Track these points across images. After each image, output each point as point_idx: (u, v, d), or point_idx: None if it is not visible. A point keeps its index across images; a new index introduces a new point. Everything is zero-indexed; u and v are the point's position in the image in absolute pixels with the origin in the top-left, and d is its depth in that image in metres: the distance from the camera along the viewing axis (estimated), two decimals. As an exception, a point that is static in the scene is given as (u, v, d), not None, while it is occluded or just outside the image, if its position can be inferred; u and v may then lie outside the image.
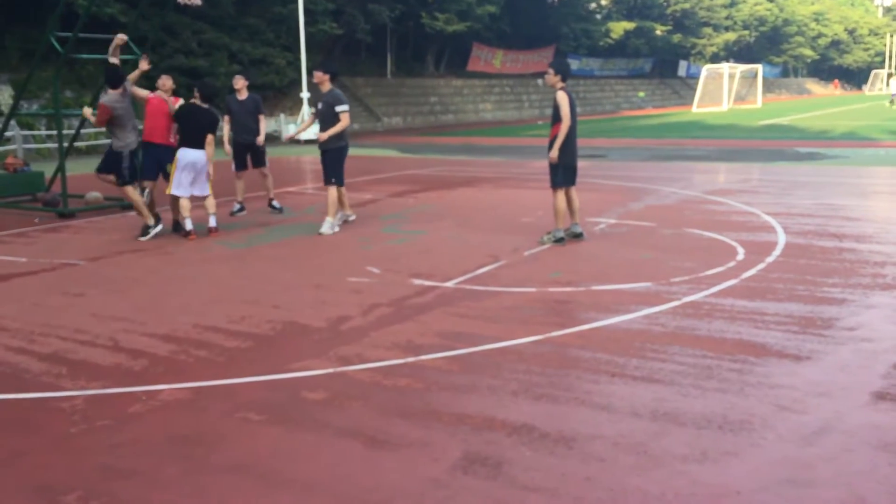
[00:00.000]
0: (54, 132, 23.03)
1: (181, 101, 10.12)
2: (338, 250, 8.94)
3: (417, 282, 7.33)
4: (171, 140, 9.98)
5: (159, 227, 9.82)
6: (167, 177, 10.00)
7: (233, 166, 11.60)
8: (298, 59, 28.58)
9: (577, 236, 9.12)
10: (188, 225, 9.69)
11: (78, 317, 6.38)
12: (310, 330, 5.97)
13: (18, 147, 21.26)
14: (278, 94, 32.32)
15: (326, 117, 9.61)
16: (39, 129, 23.36)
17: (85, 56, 13.68)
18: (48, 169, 14.33)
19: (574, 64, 53.71)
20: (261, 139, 11.45)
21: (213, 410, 4.46)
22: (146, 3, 12.45)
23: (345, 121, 9.57)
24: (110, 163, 9.91)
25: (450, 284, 7.22)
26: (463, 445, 3.95)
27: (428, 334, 5.77)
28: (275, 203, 11.82)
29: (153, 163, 10.02)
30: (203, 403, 4.58)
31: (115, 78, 9.82)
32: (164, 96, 10.11)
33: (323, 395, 4.65)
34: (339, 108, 9.58)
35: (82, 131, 16.89)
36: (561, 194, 8.98)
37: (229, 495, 3.51)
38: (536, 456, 3.83)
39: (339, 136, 9.70)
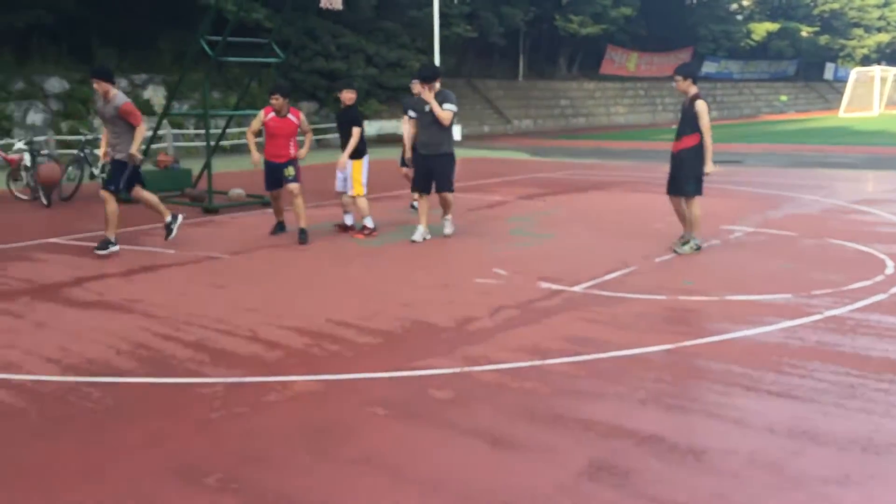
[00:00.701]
0: (202, 131, 24.32)
1: (302, 114, 9.95)
2: (466, 251, 9.01)
3: (545, 285, 7.29)
4: (293, 153, 9.82)
5: (282, 230, 10.19)
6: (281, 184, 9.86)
7: (403, 162, 11.47)
8: (432, 62, 28.98)
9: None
10: (370, 223, 10.04)
11: (220, 307, 6.70)
12: (437, 329, 6.04)
13: (169, 145, 22.53)
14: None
15: (434, 119, 9.25)
16: (188, 129, 24.68)
17: (232, 59, 14.36)
18: (195, 166, 15.12)
19: (712, 66, 52.16)
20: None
21: (343, 403, 4.59)
22: (290, 7, 12.93)
23: (447, 118, 9.26)
24: (132, 176, 9.12)
25: (577, 289, 7.15)
26: (589, 452, 3.90)
27: (554, 338, 5.74)
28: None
29: (274, 175, 9.85)
30: (333, 396, 4.72)
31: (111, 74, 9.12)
32: (279, 114, 9.71)
33: (449, 394, 4.70)
34: (448, 106, 9.25)
35: (228, 131, 17.69)
36: (697, 202, 8.71)
37: (359, 486, 3.60)
38: (665, 467, 3.74)
39: (451, 139, 9.60)
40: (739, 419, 4.29)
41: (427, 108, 9.31)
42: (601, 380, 4.91)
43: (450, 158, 9.61)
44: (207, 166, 12.67)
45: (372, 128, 30.56)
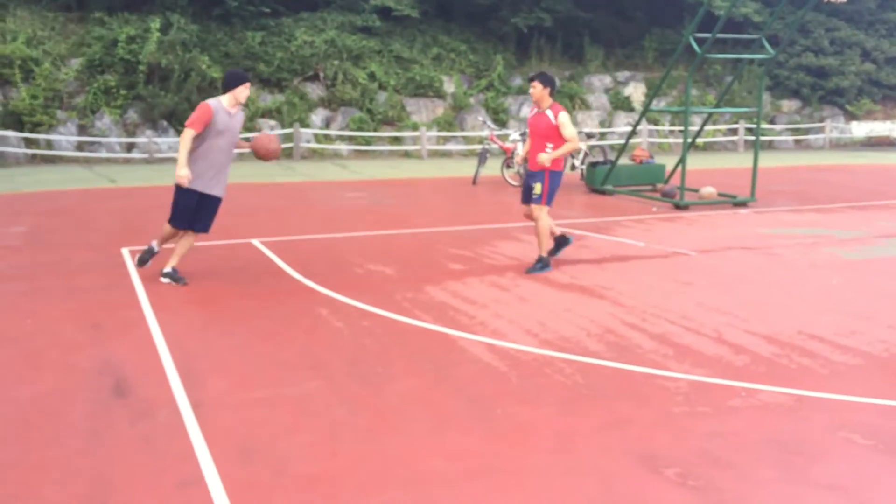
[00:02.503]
0: (677, 128, 24.50)
1: (564, 114, 7.65)
2: (974, 275, 7.78)
3: None
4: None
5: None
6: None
7: None
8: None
9: None
10: None
11: (685, 304, 6.71)
12: (932, 359, 5.34)
13: (644, 140, 23.11)
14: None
15: None
16: (663, 125, 25.00)
17: (719, 56, 14.19)
18: (669, 162, 15.28)
19: None
20: None
21: (815, 423, 4.30)
22: (785, 1, 12.31)
23: None
24: None
25: None
26: None
27: None
28: None
29: (526, 186, 8.05)
30: (804, 413, 4.44)
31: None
32: (538, 108, 7.83)
33: (944, 435, 4.12)
34: None
35: (704, 128, 17.53)
36: None
37: (826, 514, 3.36)
38: None
39: None
40: None
41: None
42: None
43: None
44: (682, 163, 12.71)
45: (861, 129, 27.89)
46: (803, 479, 3.66)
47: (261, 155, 7.26)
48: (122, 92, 19.95)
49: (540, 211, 7.85)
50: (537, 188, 7.81)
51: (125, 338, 5.75)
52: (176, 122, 20.16)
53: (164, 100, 19.75)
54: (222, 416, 4.35)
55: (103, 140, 19.43)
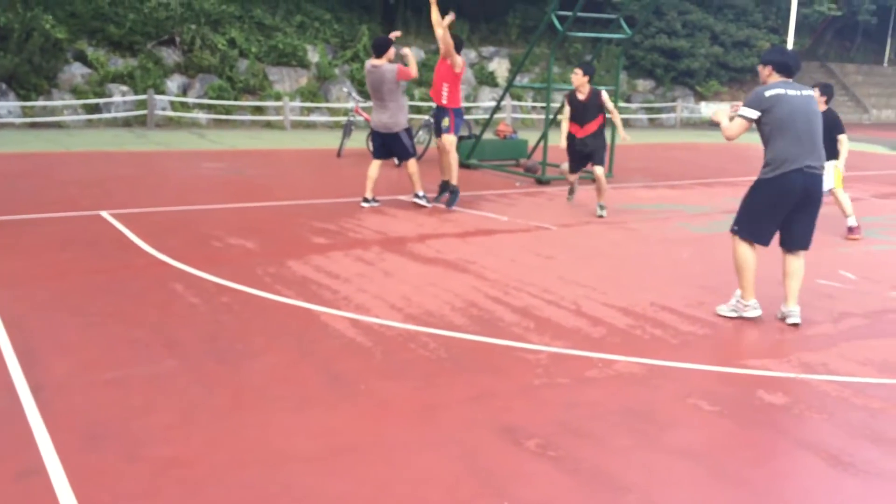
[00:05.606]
0: (539, 104, 24.98)
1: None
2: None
3: (901, 296, 6.53)
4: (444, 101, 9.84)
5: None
6: None
7: None
8: (783, 43, 27.03)
9: None
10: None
11: (546, 277, 6.85)
12: (771, 329, 5.68)
13: (507, 116, 23.43)
14: (756, 79, 30.97)
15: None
16: (526, 101, 25.44)
17: (580, 34, 14.52)
18: (532, 138, 15.55)
19: None
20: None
21: (665, 391, 4.48)
22: (642, -17, 12.71)
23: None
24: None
25: (942, 305, 6.30)
26: (947, 492, 3.44)
27: (910, 357, 5.12)
28: None
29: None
30: (656, 382, 4.62)
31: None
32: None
33: (782, 400, 4.39)
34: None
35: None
36: None
37: (677, 478, 3.50)
38: None
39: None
40: None
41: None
42: (966, 412, 4.29)
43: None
44: (544, 138, 12.97)
45: (709, 109, 29.31)
46: (656, 446, 3.81)
47: None
48: (-45, 51, 18.39)
49: (451, 144, 9.77)
50: (445, 121, 9.80)
51: (-43, 317, 5.31)
52: (17, 84, 18.79)
53: (4, 61, 18.34)
54: (67, 399, 4.09)
55: (-67, 102, 17.88)
